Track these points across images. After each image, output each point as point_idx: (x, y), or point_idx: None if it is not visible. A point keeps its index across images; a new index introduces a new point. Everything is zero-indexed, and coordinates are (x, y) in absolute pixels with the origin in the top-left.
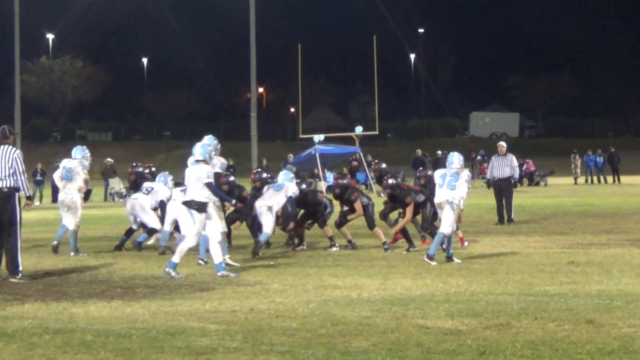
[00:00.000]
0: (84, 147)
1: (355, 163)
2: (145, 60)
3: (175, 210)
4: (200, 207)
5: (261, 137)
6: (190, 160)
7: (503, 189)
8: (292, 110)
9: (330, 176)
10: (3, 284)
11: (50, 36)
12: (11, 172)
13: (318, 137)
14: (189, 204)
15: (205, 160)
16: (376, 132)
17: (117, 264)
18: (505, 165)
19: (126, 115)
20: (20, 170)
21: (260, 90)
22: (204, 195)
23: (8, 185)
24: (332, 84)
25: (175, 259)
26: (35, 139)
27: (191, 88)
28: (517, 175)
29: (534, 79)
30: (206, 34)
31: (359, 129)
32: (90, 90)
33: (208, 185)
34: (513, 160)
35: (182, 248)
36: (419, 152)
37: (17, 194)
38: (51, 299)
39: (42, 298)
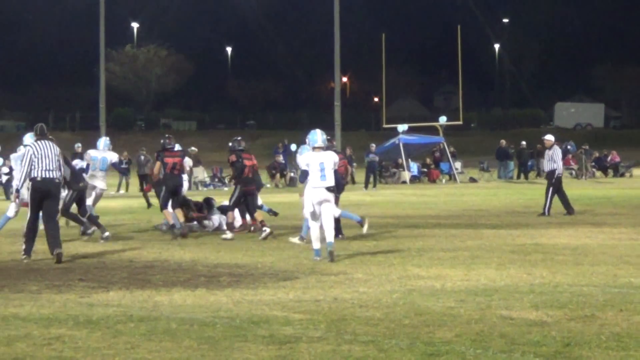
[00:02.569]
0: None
1: (438, 154)
2: (229, 49)
3: None
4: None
5: (345, 126)
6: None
7: (548, 181)
8: (376, 99)
9: (414, 166)
10: (88, 271)
11: (135, 25)
12: (59, 164)
13: (402, 127)
14: (331, 190)
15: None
16: (460, 122)
17: (201, 253)
18: (547, 159)
19: (210, 104)
20: (63, 162)
21: (344, 79)
22: None
23: (58, 176)
24: (416, 73)
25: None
26: (120, 128)
27: (275, 77)
28: (559, 169)
29: (619, 69)
30: (290, 23)
31: (443, 119)
32: (174, 79)
33: (335, 172)
34: (555, 153)
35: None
36: (503, 142)
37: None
38: (135, 287)
39: (126, 286)
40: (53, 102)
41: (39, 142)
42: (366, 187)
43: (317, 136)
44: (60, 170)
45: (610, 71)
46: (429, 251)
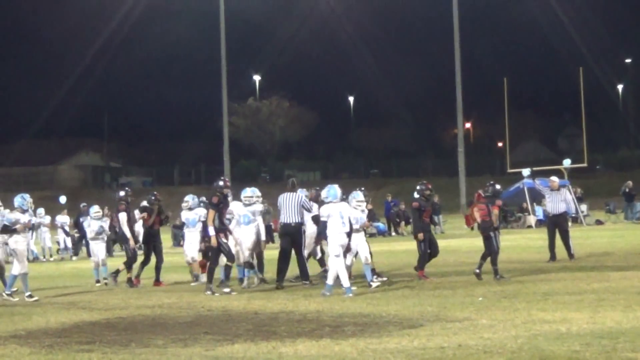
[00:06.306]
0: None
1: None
2: (351, 98)
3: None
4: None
5: (469, 172)
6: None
7: (558, 225)
8: (500, 144)
9: (539, 210)
10: (213, 323)
11: (256, 78)
12: (298, 211)
13: (525, 171)
14: (348, 235)
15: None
16: (585, 164)
17: (326, 303)
18: (559, 201)
19: (334, 153)
20: (305, 209)
21: (467, 125)
22: None
23: (296, 221)
24: (539, 116)
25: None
26: (244, 180)
27: (398, 125)
28: (572, 211)
29: None
30: (411, 70)
31: (567, 162)
32: (297, 130)
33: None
34: (566, 194)
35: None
36: (630, 183)
37: (302, 227)
38: (260, 338)
39: (251, 338)
40: (178, 157)
41: (284, 194)
42: None
43: (336, 192)
44: (299, 216)
45: None
46: (554, 295)
